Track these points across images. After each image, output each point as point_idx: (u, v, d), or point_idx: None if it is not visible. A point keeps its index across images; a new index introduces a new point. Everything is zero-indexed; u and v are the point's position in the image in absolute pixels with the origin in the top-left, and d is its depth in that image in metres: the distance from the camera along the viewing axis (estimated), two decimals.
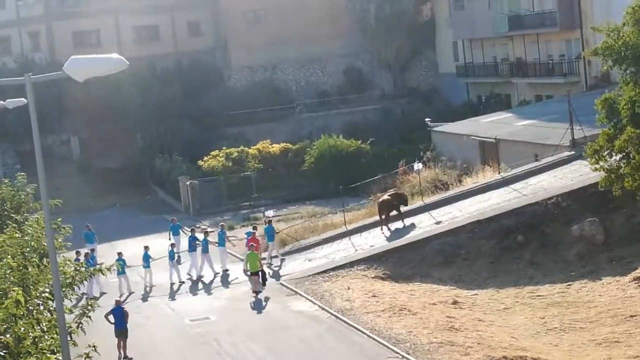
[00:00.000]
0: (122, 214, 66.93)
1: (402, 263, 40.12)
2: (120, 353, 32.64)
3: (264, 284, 40.15)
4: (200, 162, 69.73)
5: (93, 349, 18.27)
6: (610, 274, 36.06)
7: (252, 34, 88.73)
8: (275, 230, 46.17)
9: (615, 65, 35.14)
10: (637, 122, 34.45)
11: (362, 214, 50.23)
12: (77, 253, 41.17)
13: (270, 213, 49.65)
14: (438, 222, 43.53)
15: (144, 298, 41.79)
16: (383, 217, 45.29)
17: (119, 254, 42.68)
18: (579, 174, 43.57)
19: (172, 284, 43.45)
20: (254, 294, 39.41)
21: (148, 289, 43.18)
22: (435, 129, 65.95)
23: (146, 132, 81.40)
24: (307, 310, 36.01)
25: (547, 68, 72.01)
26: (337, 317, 34.10)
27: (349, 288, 37.39)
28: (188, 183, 65.22)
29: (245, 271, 41.51)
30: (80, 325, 18.36)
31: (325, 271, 40.66)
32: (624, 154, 35.27)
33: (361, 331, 32.05)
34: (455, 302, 34.88)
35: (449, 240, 40.83)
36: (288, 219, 54.79)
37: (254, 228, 46.90)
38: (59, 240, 19.68)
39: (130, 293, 42.37)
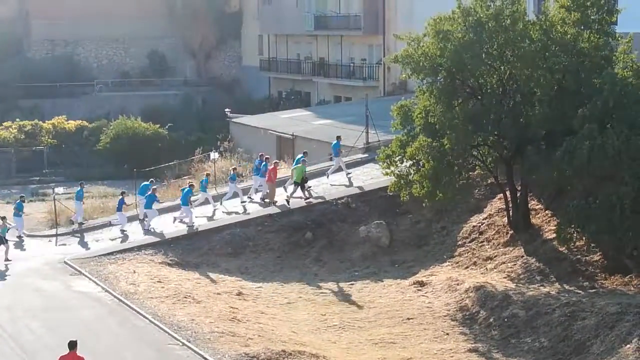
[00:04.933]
0: None
1: (190, 250, 40.12)
2: None
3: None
4: None
5: None
6: (392, 276, 37.01)
7: (55, 6, 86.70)
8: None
9: (413, 74, 35.98)
10: (429, 132, 35.47)
11: None
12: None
13: (60, 190, 48.65)
14: (229, 213, 43.72)
15: None
16: None
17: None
18: (370, 176, 44.66)
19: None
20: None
21: None
22: (234, 120, 66.22)
23: None
24: (90, 291, 35.49)
25: (348, 70, 73.28)
26: (120, 300, 33.78)
27: (134, 272, 37.10)
28: None
29: None
30: None
31: (111, 253, 40.16)
32: (415, 161, 36.30)
33: (143, 316, 31.88)
34: (239, 294, 35.12)
35: (239, 232, 41.11)
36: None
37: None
38: None
39: None
